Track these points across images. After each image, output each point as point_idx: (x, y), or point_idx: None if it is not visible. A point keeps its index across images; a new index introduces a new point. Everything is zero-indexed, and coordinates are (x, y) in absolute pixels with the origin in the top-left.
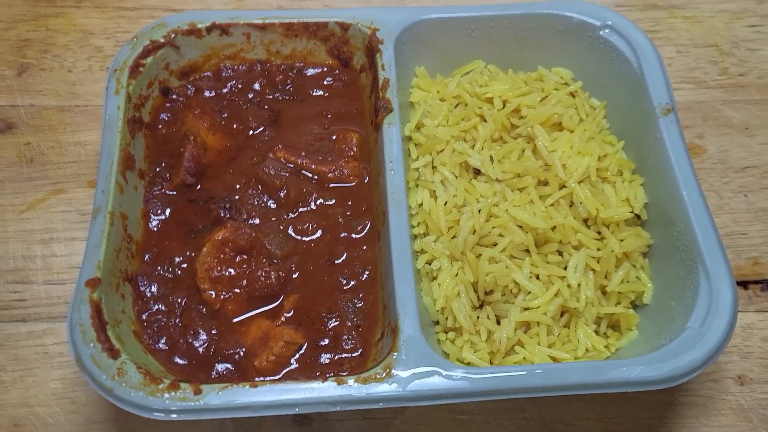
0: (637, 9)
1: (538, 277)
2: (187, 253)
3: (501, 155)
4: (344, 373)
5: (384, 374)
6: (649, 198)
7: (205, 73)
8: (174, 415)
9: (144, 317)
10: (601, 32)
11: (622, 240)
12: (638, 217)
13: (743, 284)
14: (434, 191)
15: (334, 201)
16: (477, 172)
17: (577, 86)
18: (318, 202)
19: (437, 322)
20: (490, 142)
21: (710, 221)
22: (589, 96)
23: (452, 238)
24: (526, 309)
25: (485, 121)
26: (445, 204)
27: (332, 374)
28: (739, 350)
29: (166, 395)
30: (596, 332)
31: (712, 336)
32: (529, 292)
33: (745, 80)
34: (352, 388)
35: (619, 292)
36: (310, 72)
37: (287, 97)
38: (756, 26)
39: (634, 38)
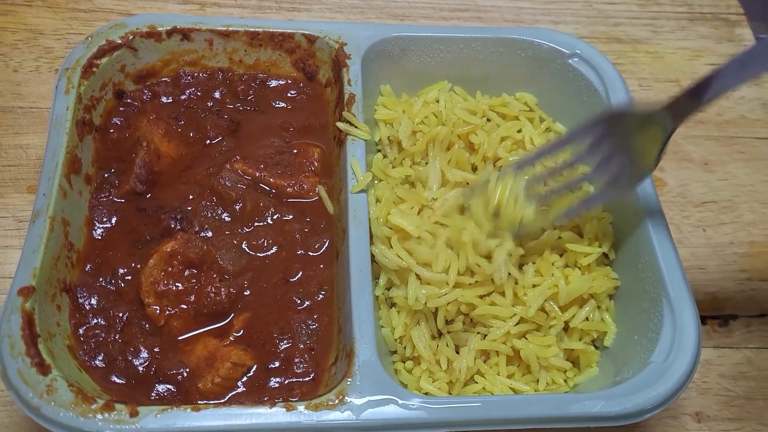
0: (601, 42)
1: None
2: (132, 265)
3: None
4: (294, 399)
5: (337, 401)
6: (616, 234)
7: (163, 79)
8: None
9: (81, 331)
10: (569, 60)
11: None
12: (606, 256)
13: (701, 319)
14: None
15: (291, 216)
16: None
17: (540, 113)
18: (275, 217)
19: (394, 352)
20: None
21: (675, 253)
22: (553, 121)
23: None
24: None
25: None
26: None
27: (281, 399)
28: (697, 386)
29: (99, 416)
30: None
31: (676, 370)
32: (488, 325)
33: (704, 116)
34: (302, 414)
35: (582, 329)
36: (274, 84)
37: (248, 108)
38: (715, 64)
39: (602, 68)
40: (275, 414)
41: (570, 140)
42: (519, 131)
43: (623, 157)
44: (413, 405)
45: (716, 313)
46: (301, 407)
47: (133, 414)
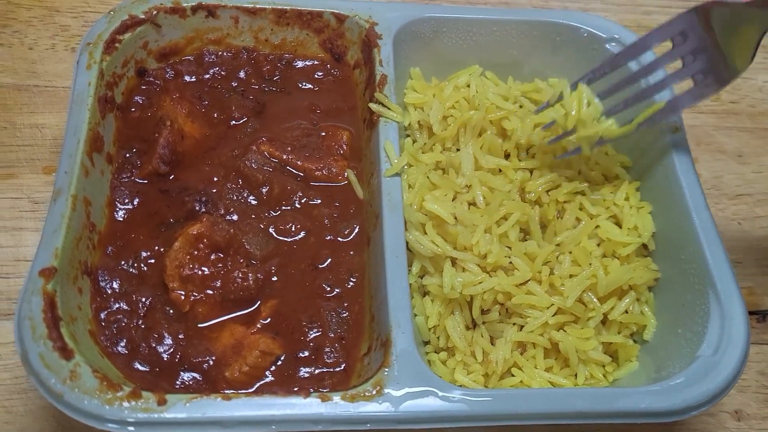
0: (630, 30)
1: None
2: (155, 248)
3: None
4: (326, 390)
5: (374, 392)
6: (656, 225)
7: (187, 57)
8: (131, 428)
9: (102, 316)
10: (607, 45)
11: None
12: (645, 247)
13: None
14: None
15: (320, 201)
16: None
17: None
18: (303, 201)
19: (428, 342)
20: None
21: (721, 244)
22: None
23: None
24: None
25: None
26: None
27: (314, 390)
28: (736, 384)
29: (125, 404)
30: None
31: (726, 364)
32: (525, 315)
33: (738, 108)
34: (338, 405)
35: (621, 322)
36: (300, 64)
37: (274, 89)
38: None
39: None
40: (310, 405)
41: (646, 45)
42: None
43: (711, 55)
44: (454, 397)
45: (754, 308)
46: (336, 398)
47: (161, 402)
